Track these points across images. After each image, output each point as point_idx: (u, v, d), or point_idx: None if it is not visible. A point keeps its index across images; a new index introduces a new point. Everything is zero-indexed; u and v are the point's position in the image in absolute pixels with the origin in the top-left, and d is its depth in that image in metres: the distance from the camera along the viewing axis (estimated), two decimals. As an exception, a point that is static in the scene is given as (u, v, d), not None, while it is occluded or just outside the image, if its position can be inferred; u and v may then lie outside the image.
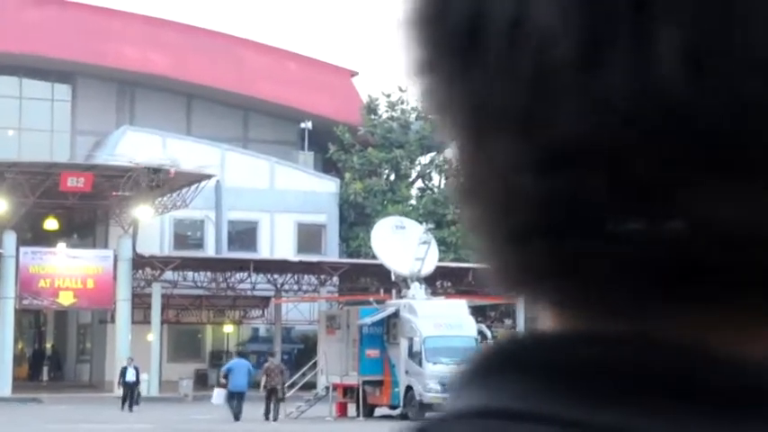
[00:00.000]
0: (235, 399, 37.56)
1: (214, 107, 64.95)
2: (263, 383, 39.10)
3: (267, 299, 56.57)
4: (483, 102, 0.58)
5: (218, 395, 38.68)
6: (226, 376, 38.68)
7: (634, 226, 0.55)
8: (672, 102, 0.53)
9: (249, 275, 53.91)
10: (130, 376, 42.30)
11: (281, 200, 59.37)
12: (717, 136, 0.52)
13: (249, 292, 55.88)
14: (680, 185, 0.54)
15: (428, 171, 63.68)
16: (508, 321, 57.32)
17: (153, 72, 62.37)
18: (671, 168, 0.53)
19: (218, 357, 57.31)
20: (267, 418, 37.91)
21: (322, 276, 54.16)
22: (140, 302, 51.91)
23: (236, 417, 37.00)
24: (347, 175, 61.26)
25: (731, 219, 0.53)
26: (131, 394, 41.98)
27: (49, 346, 64.93)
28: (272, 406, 38.19)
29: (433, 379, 37.82)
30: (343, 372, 40.35)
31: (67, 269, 50.00)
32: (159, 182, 48.19)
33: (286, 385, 40.02)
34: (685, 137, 0.53)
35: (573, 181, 0.55)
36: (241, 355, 49.41)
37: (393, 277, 42.49)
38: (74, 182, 48.13)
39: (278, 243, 59.48)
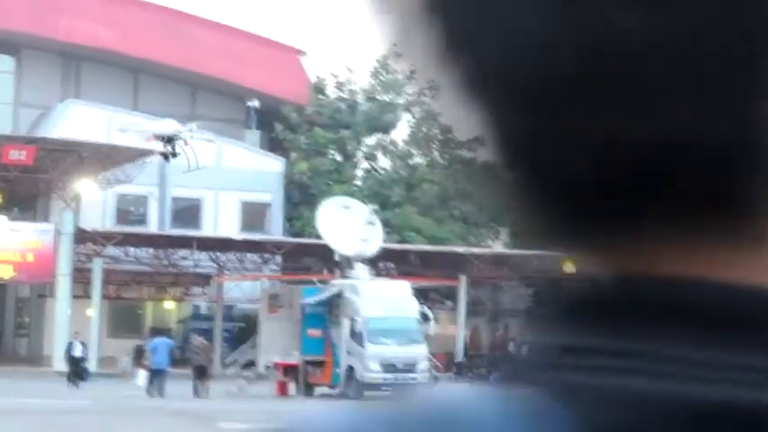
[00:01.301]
0: (156, 377, 37.60)
1: (161, 83, 64.51)
2: (189, 361, 39.36)
3: (209, 276, 56.35)
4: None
5: (143, 376, 38.61)
6: (139, 354, 38.92)
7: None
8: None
9: (192, 253, 53.65)
10: (77, 351, 41.99)
11: (226, 178, 59.11)
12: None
13: (191, 270, 55.62)
14: None
15: (374, 152, 63.65)
16: (449, 303, 57.49)
17: (100, 46, 61.82)
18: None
19: (158, 334, 57.06)
20: (196, 395, 38.01)
21: (265, 255, 54.02)
22: (81, 277, 51.52)
23: (160, 394, 37.09)
24: (293, 155, 61.09)
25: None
26: (77, 369, 41.68)
27: (-14, 319, 64.37)
28: (199, 384, 38.38)
29: (374, 359, 37.89)
30: (284, 351, 40.32)
31: (7, 242, 49.50)
32: (173, 151, 48.16)
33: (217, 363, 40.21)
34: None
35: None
36: (163, 333, 49.21)
37: (337, 257, 42.48)
38: (16, 155, 47.64)
39: (222, 221, 59.26)
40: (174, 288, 58.91)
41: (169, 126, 48.77)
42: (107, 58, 62.77)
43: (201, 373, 38.64)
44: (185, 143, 48.32)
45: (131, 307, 59.25)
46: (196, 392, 38.21)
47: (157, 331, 48.46)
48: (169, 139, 47.84)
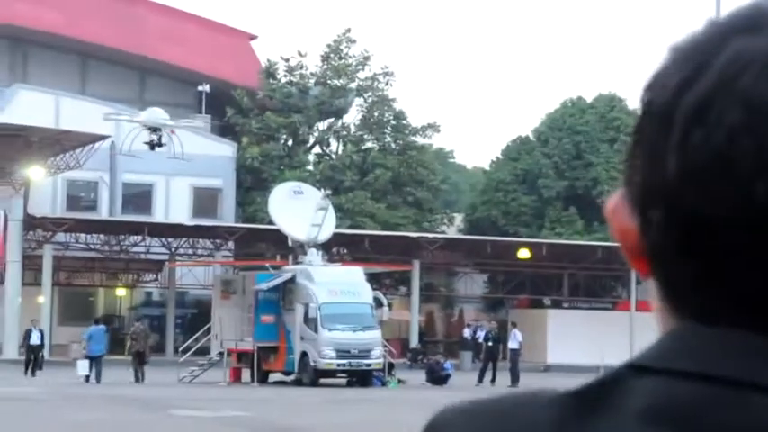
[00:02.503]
0: (93, 363, 37.92)
1: (110, 68, 63.88)
2: (128, 347, 39.46)
3: (161, 262, 55.92)
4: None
5: (82, 365, 38.53)
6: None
7: None
8: None
9: (143, 239, 53.20)
10: (35, 339, 41.50)
11: (176, 163, 58.64)
12: None
13: (143, 256, 55.17)
14: None
15: (326, 137, 63.37)
16: (403, 288, 57.39)
17: (47, 30, 61.09)
18: None
19: (110, 321, 56.60)
20: (137, 381, 38.11)
21: (217, 241, 53.67)
22: (31, 264, 50.97)
23: (97, 380, 37.31)
24: (244, 140, 60.72)
25: None
26: (35, 358, 41.22)
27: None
28: (139, 369, 38.69)
29: (328, 345, 37.68)
30: (237, 337, 40.03)
31: (-45, 229, 48.86)
32: (159, 141, 48.28)
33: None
34: None
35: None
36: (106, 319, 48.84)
37: (290, 243, 42.21)
38: (-37, 140, 46.96)
39: (173, 207, 58.81)
40: (125, 274, 58.43)
41: (156, 115, 48.75)
42: (55, 43, 62.06)
43: (140, 359, 38.90)
44: (172, 132, 48.41)
45: (83, 294, 58.70)
46: (137, 378, 38.39)
47: (103, 319, 48.07)
48: (155, 129, 47.85)
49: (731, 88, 0.88)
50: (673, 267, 0.90)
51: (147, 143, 47.92)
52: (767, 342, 0.85)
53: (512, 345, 41.09)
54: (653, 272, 0.92)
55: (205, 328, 43.44)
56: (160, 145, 48.12)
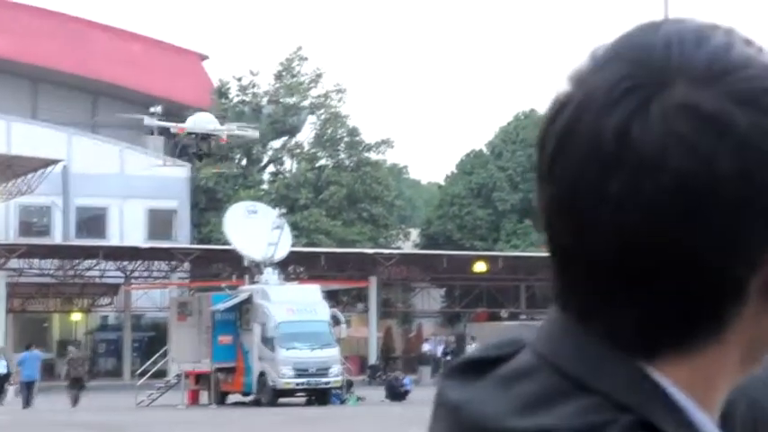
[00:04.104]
0: (26, 389, 37.95)
1: (61, 91, 63.50)
2: (65, 373, 39.40)
3: (116, 286, 55.52)
4: None
5: (11, 390, 38.38)
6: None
7: None
8: None
9: (98, 263, 52.79)
10: (1, 368, 40.94)
11: (130, 186, 58.34)
12: None
13: (98, 280, 54.75)
14: None
15: (280, 155, 63.23)
16: (361, 305, 57.27)
17: (-4, 55, 60.66)
18: None
19: (65, 346, 56.15)
20: (74, 405, 37.98)
21: (173, 263, 53.36)
22: (-15, 291, 50.42)
23: (28, 404, 37.24)
24: (198, 161, 60.41)
25: None
26: (2, 386, 40.72)
27: None
28: (76, 394, 38.60)
29: (286, 364, 37.53)
30: (195, 359, 39.80)
31: None
32: (209, 149, 43.68)
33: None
34: None
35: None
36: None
37: (246, 263, 42.04)
38: None
39: (128, 229, 58.44)
40: (80, 299, 57.96)
41: (205, 121, 43.99)
42: (6, 68, 61.61)
43: (77, 384, 38.72)
44: (222, 140, 43.68)
45: (37, 320, 58.18)
46: (74, 403, 38.26)
47: (58, 344, 47.77)
48: (204, 136, 43.24)
49: (579, 124, 0.96)
50: (552, 272, 1.01)
51: (194, 153, 43.52)
52: (573, 328, 0.99)
53: None
54: (550, 272, 1.02)
55: (162, 350, 43.16)
56: (209, 154, 43.60)
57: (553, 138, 0.98)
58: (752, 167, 0.95)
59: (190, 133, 42.92)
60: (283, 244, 41.53)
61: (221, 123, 60.38)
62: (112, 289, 56.15)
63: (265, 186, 61.27)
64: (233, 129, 45.52)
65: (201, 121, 43.39)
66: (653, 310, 0.97)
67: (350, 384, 39.89)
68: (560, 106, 0.98)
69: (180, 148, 61.43)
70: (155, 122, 44.61)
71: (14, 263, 51.09)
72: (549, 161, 0.98)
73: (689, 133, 0.94)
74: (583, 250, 0.97)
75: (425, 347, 53.97)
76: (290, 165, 63.29)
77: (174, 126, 44.89)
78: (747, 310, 0.98)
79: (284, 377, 37.64)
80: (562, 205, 0.97)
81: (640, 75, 0.96)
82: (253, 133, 45.99)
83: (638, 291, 0.96)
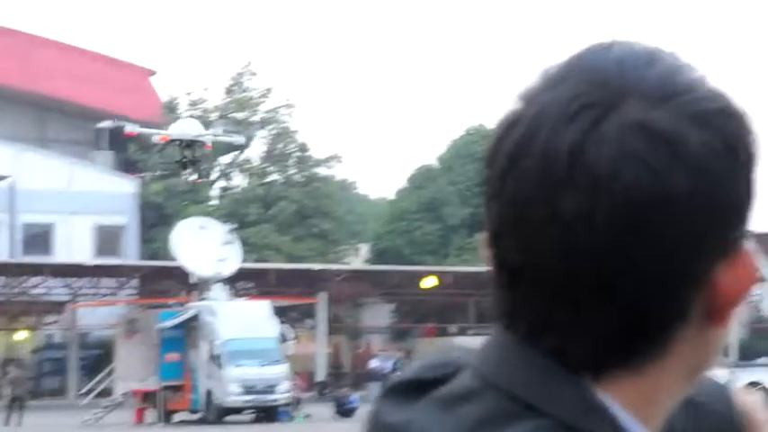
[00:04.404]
0: None
1: (8, 107, 62.94)
2: (5, 393, 39.11)
3: (63, 304, 54.99)
4: None
5: None
6: None
7: None
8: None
9: (44, 280, 52.26)
10: None
11: (78, 201, 57.88)
12: None
13: (44, 297, 54.18)
14: None
15: (230, 171, 62.96)
16: (310, 321, 57.05)
17: (-58, 70, 60.10)
18: None
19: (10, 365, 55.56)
20: (8, 424, 37.59)
21: (121, 279, 52.93)
22: (-72, 310, 49.81)
23: None
24: (147, 176, 60.08)
25: None
26: None
27: None
28: (16, 415, 38.21)
29: (233, 382, 37.32)
30: (142, 377, 39.51)
31: None
32: (194, 157, 40.97)
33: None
34: None
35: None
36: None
37: (194, 279, 41.76)
38: None
39: (75, 246, 57.93)
40: (26, 317, 57.34)
41: (189, 127, 41.47)
42: (-49, 83, 61.06)
43: (16, 404, 38.35)
44: (207, 147, 41.01)
45: (-18, 338, 57.50)
46: (9, 422, 37.91)
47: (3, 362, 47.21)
48: (189, 144, 40.64)
49: (531, 142, 0.96)
50: (496, 292, 1.01)
51: (178, 162, 40.93)
52: (519, 350, 0.99)
53: None
54: (493, 293, 1.02)
55: (109, 368, 42.80)
56: (195, 162, 41.16)
57: (504, 155, 0.97)
58: (704, 187, 0.95)
59: (173, 140, 40.74)
60: (232, 260, 41.32)
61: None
62: (59, 307, 55.60)
63: (215, 202, 60.97)
64: (219, 133, 43.80)
65: (185, 128, 41.34)
66: (601, 329, 0.97)
67: (298, 401, 39.72)
68: (511, 124, 0.98)
69: (129, 162, 61.12)
70: (138, 129, 43.15)
71: (-41, 281, 50.57)
72: (500, 178, 0.97)
73: (643, 151, 0.94)
74: (532, 268, 0.97)
75: (374, 364, 53.85)
76: (239, 180, 63.04)
77: (155, 133, 43.80)
78: (689, 332, 0.99)
79: (232, 395, 37.42)
80: (512, 223, 0.97)
81: (594, 93, 0.96)
82: (238, 139, 44.32)
83: (586, 310, 0.96)
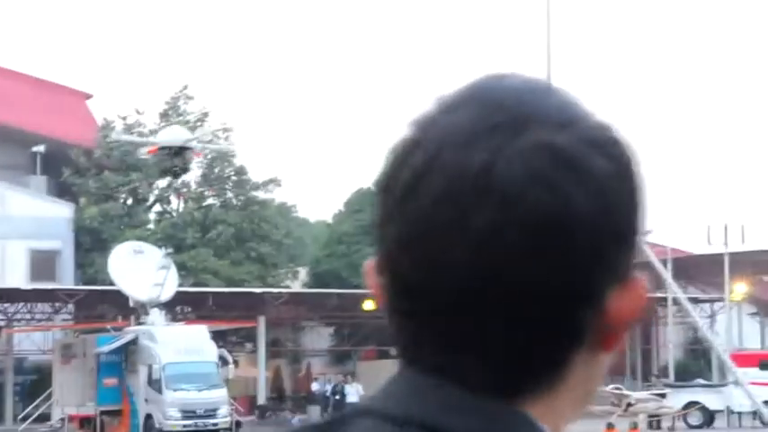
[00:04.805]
0: None
1: (-60, 131, 62.13)
2: None
3: (-2, 329, 54.23)
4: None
5: None
6: None
7: None
8: None
9: (-23, 306, 51.56)
10: None
11: (12, 226, 57.15)
12: None
13: (-22, 323, 53.42)
14: None
15: (166, 194, 62.50)
16: (249, 345, 56.74)
17: None
18: None
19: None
20: None
21: (57, 304, 52.33)
22: None
23: None
24: (82, 200, 59.50)
25: None
26: None
27: None
28: None
29: (173, 406, 36.97)
30: (79, 402, 39.08)
31: None
32: (184, 165, 39.29)
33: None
34: None
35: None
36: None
37: (132, 303, 41.38)
38: None
39: (9, 271, 57.19)
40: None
41: (177, 134, 39.91)
42: None
43: None
44: (198, 155, 39.53)
45: None
46: None
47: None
48: (178, 151, 38.86)
49: (436, 162, 0.98)
50: (395, 322, 1.01)
51: (166, 171, 39.49)
52: (427, 381, 0.99)
53: (351, 398, 40.88)
54: (389, 326, 1.02)
55: (45, 394, 42.26)
56: (185, 170, 39.70)
57: (404, 179, 0.99)
58: (602, 210, 0.98)
59: (163, 148, 38.76)
60: (170, 284, 41.00)
61: (105, 162, 59.58)
62: (-7, 332, 54.85)
63: (151, 226, 60.48)
64: (207, 135, 42.13)
65: (173, 135, 39.67)
66: (507, 350, 0.98)
67: (238, 425, 39.44)
68: (409, 149, 1.00)
69: (62, 187, 60.53)
70: (122, 137, 41.60)
71: None
72: (399, 202, 0.99)
73: (550, 172, 0.97)
74: (438, 292, 0.97)
75: (314, 387, 53.64)
76: (176, 204, 62.61)
77: (143, 144, 42.35)
78: (585, 354, 1.01)
79: (171, 419, 37.08)
80: (416, 244, 0.97)
81: (497, 117, 0.99)
82: (228, 146, 42.28)
83: (492, 330, 0.97)
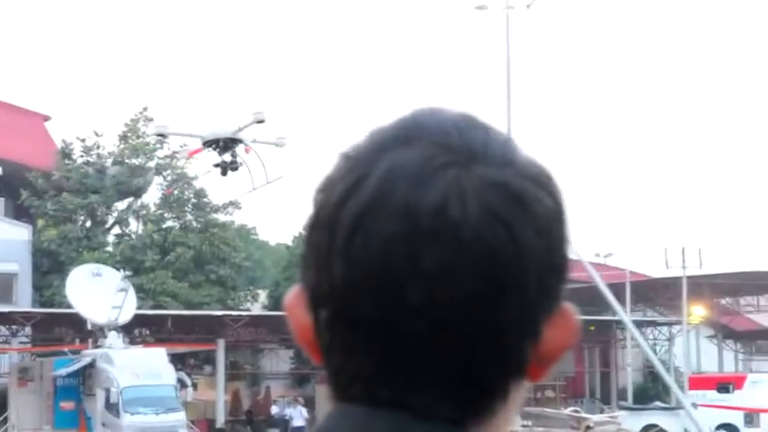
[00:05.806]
0: None
1: None
2: None
3: (-47, 352, 53.77)
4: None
5: None
6: None
7: None
8: None
9: (-68, 328, 51.08)
10: None
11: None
12: None
13: (-66, 346, 52.92)
14: None
15: (125, 217, 62.24)
16: (208, 368, 56.50)
17: None
18: None
19: None
20: None
21: (13, 327, 51.95)
22: None
23: None
24: (40, 222, 59.14)
25: None
26: None
27: None
28: None
29: (130, 430, 36.73)
30: (36, 426, 38.81)
31: None
32: (235, 162, 34.13)
33: None
34: None
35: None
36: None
37: (90, 326, 41.14)
38: None
39: (-35, 293, 56.73)
40: None
41: (225, 126, 34.84)
42: None
43: None
44: (247, 150, 34.47)
45: None
46: None
47: None
48: (225, 146, 34.45)
49: (386, 199, 0.97)
50: (333, 359, 1.02)
51: (218, 165, 34.11)
52: (375, 413, 0.99)
53: (297, 422, 40.73)
54: (323, 362, 1.04)
55: (2, 418, 41.92)
56: (235, 168, 34.45)
57: (351, 214, 0.98)
58: (546, 244, 1.00)
59: (208, 143, 34.17)
60: (128, 307, 40.79)
61: (64, 184, 59.26)
62: (-51, 355, 54.38)
63: (110, 248, 60.19)
64: (252, 121, 36.24)
65: (219, 128, 34.67)
66: (460, 384, 0.99)
67: (197, 449, 39.22)
68: (352, 183, 0.99)
69: (20, 209, 60.16)
70: (168, 131, 36.14)
71: None
72: (346, 238, 0.98)
73: (503, 211, 0.98)
74: (389, 330, 0.98)
75: (274, 410, 53.46)
76: (135, 226, 62.34)
77: (182, 148, 39.46)
78: (520, 382, 1.04)
79: (129, 443, 36.82)
80: (367, 281, 0.97)
81: (447, 155, 0.98)
82: (281, 141, 37.99)
83: (443, 368, 0.98)
